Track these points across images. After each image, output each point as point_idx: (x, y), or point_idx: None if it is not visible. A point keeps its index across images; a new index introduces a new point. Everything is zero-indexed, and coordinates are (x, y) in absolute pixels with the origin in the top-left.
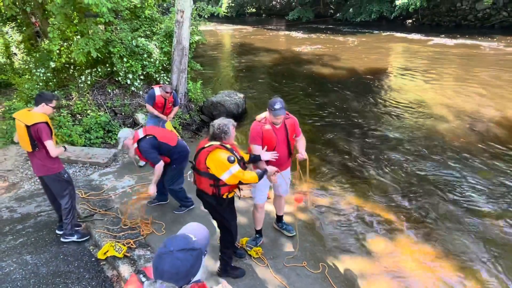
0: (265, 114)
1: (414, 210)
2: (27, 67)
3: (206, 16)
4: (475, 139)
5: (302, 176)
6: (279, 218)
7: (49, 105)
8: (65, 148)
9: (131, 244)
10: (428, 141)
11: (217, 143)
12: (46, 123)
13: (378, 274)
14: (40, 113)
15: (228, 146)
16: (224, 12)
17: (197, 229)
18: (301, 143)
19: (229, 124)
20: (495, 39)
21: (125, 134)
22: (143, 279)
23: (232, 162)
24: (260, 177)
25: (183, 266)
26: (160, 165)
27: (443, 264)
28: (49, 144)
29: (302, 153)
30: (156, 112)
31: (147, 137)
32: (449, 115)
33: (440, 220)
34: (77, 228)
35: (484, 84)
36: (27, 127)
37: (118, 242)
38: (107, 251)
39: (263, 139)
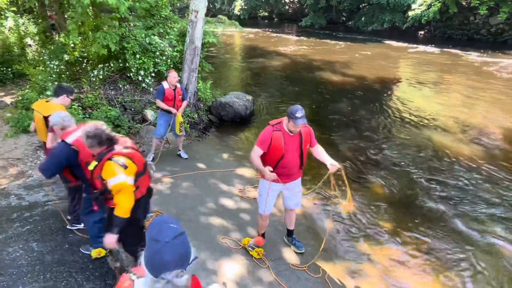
0: (280, 119)
1: (416, 220)
2: (41, 58)
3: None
4: (480, 152)
5: (335, 188)
6: (289, 232)
7: (70, 97)
8: None
9: None
10: (434, 152)
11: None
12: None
13: (378, 282)
14: (58, 104)
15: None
16: (240, 27)
17: (169, 218)
18: (321, 152)
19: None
20: (507, 55)
21: (56, 118)
22: (133, 277)
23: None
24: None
25: (183, 249)
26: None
27: (443, 275)
28: (48, 136)
29: (332, 163)
30: (166, 107)
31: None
32: (456, 127)
33: (444, 233)
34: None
35: (492, 99)
36: (45, 118)
37: None
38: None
39: (270, 145)
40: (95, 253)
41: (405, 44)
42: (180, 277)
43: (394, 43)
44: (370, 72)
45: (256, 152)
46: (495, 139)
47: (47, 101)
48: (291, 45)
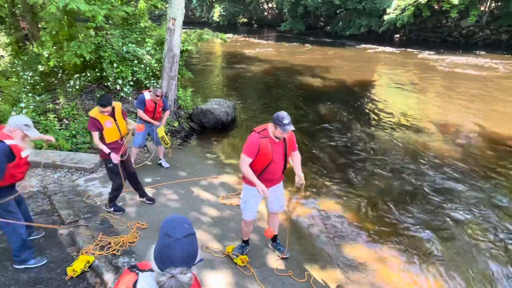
0: (264, 126)
1: (399, 222)
2: (14, 69)
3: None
4: (457, 152)
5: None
6: (273, 238)
7: (100, 108)
8: (110, 152)
9: (116, 251)
10: (412, 153)
11: None
12: (94, 118)
13: (363, 284)
14: (95, 110)
15: None
16: (226, 38)
17: (183, 217)
18: (297, 160)
19: None
20: (482, 56)
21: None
22: (137, 271)
23: None
24: None
25: (191, 249)
26: None
27: (428, 277)
28: (93, 134)
29: (300, 175)
30: (146, 118)
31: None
32: (433, 128)
33: (427, 234)
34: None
35: (466, 98)
36: None
37: (96, 251)
38: (75, 271)
39: (259, 152)
40: (70, 270)
41: (405, 51)
42: (184, 274)
43: (394, 49)
44: (348, 76)
45: (246, 161)
46: (462, 135)
47: None
48: (270, 50)
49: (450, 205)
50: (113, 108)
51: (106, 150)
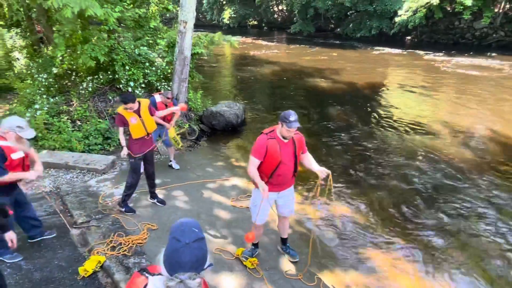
0: (273, 127)
1: (411, 225)
2: (29, 72)
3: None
4: (468, 155)
5: (319, 193)
6: (283, 241)
7: (124, 105)
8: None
9: (127, 252)
10: (424, 156)
11: None
12: (120, 114)
13: None
14: (121, 107)
15: None
16: (236, 44)
17: (192, 221)
18: (310, 159)
19: None
20: (491, 58)
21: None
22: (147, 275)
23: None
24: None
25: (200, 254)
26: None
27: (440, 280)
28: (119, 129)
29: (320, 169)
30: (159, 120)
31: None
32: (445, 131)
33: (437, 236)
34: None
35: (478, 101)
36: None
37: (107, 251)
38: (87, 270)
39: (266, 154)
40: (82, 270)
41: (416, 53)
42: (193, 279)
43: (406, 51)
44: (355, 77)
45: (253, 163)
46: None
47: None
48: (279, 52)
49: (463, 209)
50: (140, 105)
51: (123, 142)
